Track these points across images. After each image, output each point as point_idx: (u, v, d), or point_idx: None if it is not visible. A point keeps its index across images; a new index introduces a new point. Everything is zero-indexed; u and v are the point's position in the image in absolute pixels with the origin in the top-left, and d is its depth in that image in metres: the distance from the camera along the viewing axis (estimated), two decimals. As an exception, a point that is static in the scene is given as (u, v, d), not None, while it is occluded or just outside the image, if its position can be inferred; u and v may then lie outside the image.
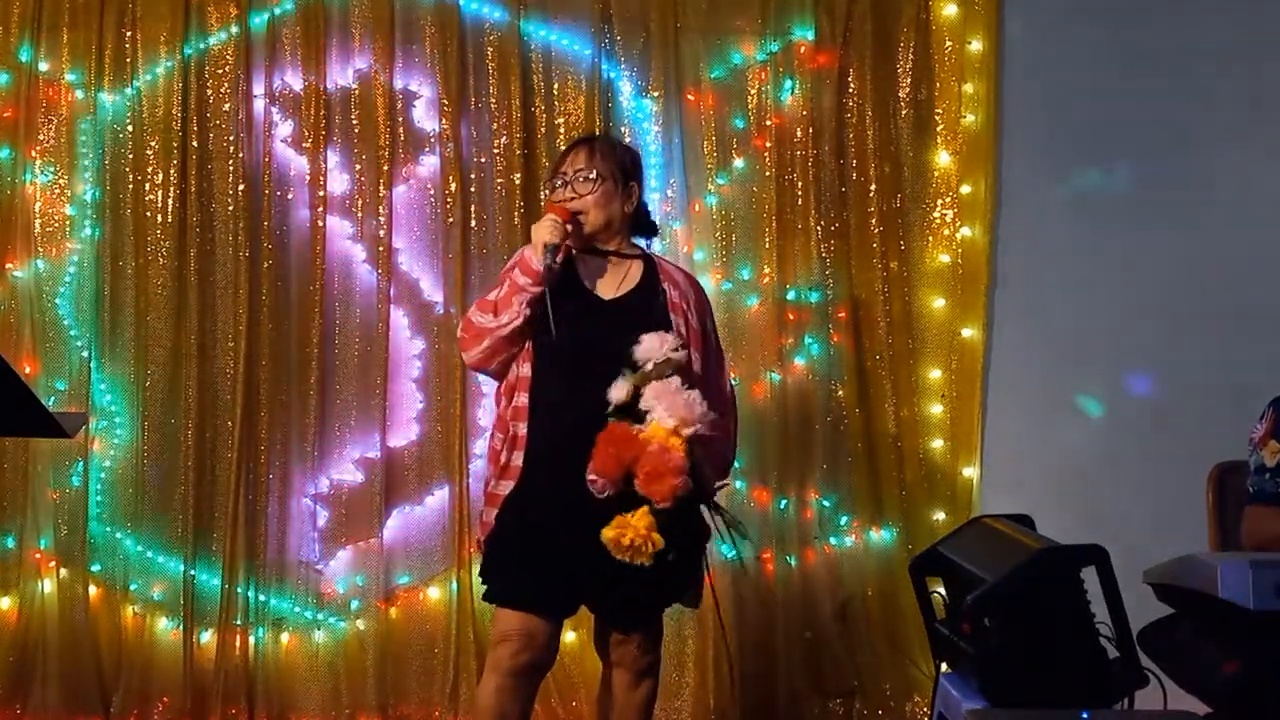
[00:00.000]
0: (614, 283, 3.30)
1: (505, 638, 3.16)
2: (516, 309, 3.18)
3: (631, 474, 3.02)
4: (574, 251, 3.29)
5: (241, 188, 4.38)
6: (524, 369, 3.22)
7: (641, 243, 3.42)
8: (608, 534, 3.00)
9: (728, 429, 3.35)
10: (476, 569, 3.44)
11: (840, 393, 4.47)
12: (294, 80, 4.43)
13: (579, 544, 3.06)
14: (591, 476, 3.04)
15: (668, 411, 3.05)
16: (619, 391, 3.10)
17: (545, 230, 3.18)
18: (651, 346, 3.12)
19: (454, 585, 4.34)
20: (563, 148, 4.40)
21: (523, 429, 3.20)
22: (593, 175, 3.27)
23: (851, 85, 4.50)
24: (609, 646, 3.32)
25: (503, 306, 3.20)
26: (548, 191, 3.39)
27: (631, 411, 3.09)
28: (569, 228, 3.22)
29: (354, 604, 4.38)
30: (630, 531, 2.99)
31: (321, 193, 4.39)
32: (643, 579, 3.06)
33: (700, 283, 3.50)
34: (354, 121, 4.44)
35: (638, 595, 3.16)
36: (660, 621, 3.37)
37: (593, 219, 3.27)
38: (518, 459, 3.20)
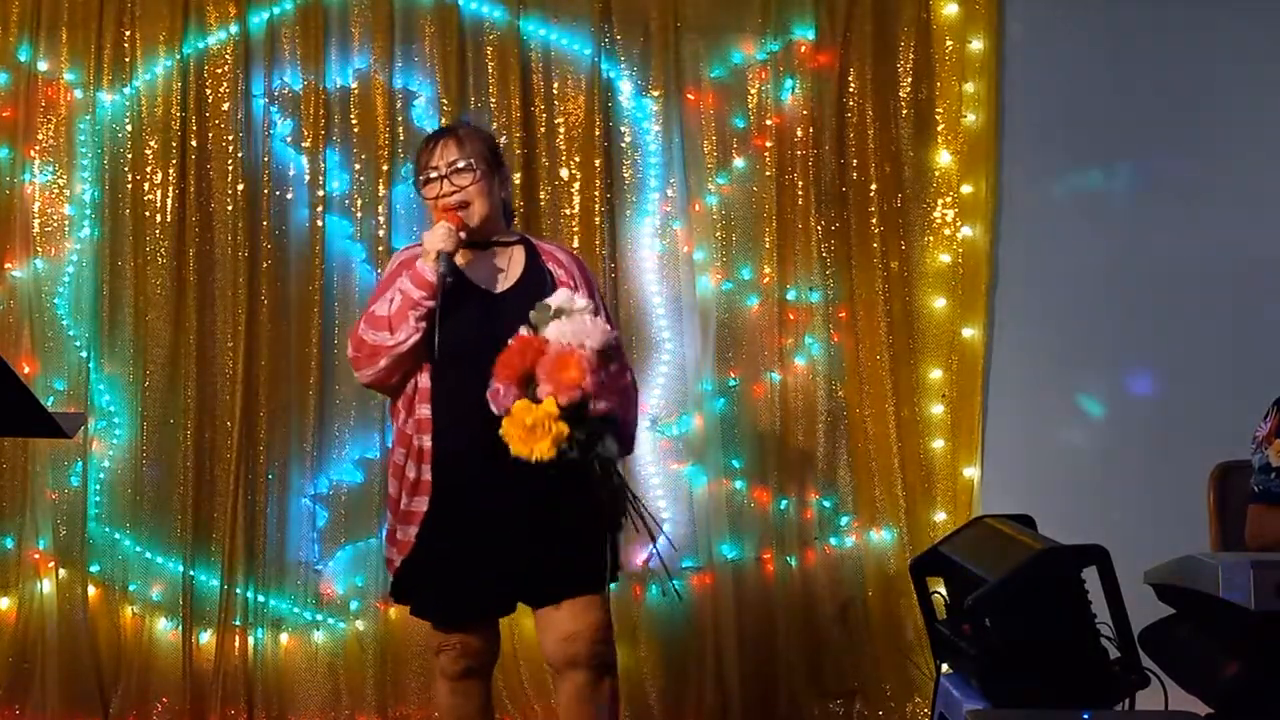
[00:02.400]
0: (502, 275, 3.20)
1: (443, 648, 3.15)
2: (413, 324, 3.05)
3: (534, 384, 2.87)
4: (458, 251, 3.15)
5: (241, 187, 4.38)
6: (423, 380, 3.11)
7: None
8: (507, 425, 2.85)
9: (625, 372, 3.11)
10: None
11: (840, 393, 4.46)
12: (293, 80, 4.43)
13: (501, 542, 3.02)
14: (493, 387, 2.90)
15: (573, 333, 2.90)
16: (524, 329, 2.96)
17: (439, 238, 3.06)
18: (558, 296, 2.99)
19: (453, 585, 4.33)
20: (561, 146, 4.45)
21: (427, 441, 3.09)
22: (468, 165, 3.15)
23: (852, 85, 4.49)
24: (560, 652, 3.13)
25: (398, 322, 3.07)
26: (418, 189, 3.27)
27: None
28: (462, 235, 3.11)
29: (353, 604, 4.37)
30: (531, 415, 2.82)
31: (321, 192, 4.39)
32: (566, 544, 3.00)
33: (580, 257, 3.41)
34: (353, 121, 4.43)
35: (563, 559, 3.06)
36: (605, 602, 3.16)
37: (478, 210, 3.16)
38: (427, 473, 3.09)
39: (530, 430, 2.83)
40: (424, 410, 3.10)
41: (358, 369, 3.18)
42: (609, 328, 2.97)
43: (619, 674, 3.25)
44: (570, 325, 2.92)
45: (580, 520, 3.03)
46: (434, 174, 3.18)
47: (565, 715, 3.18)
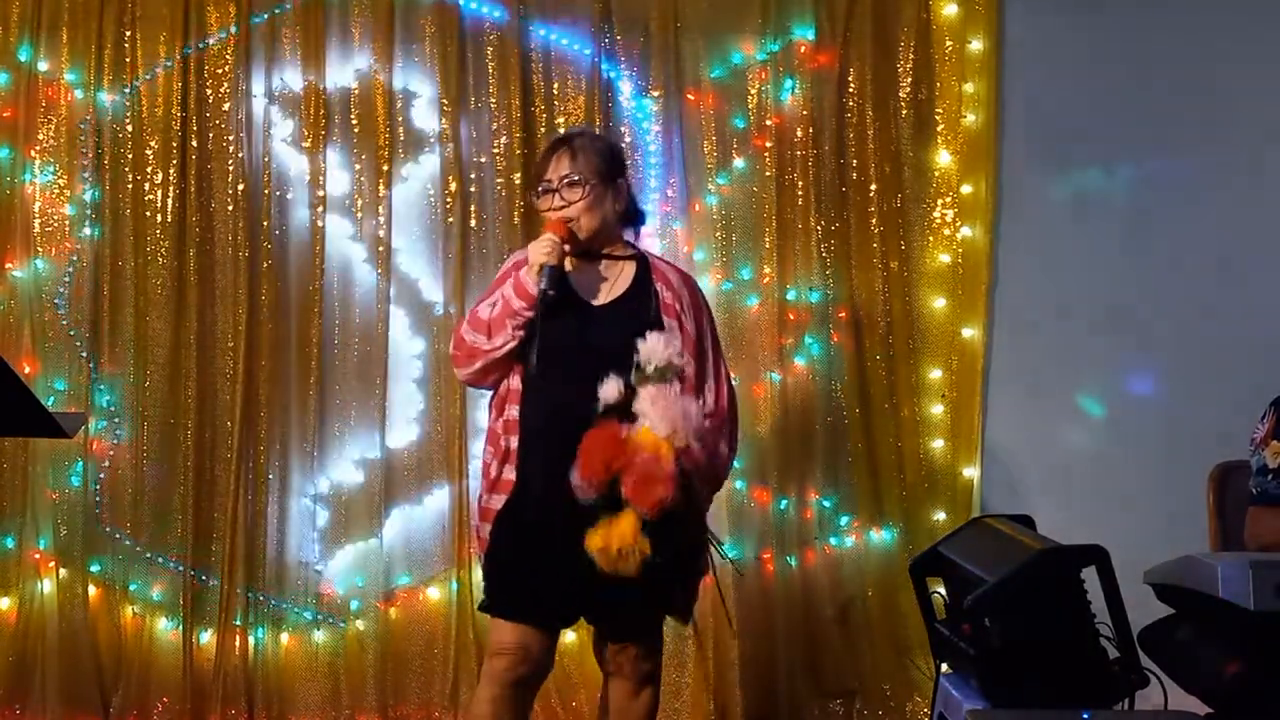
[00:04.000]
0: (606, 286, 3.20)
1: (501, 651, 3.12)
2: (510, 332, 3.08)
3: (617, 480, 2.89)
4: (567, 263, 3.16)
5: (241, 187, 4.38)
6: (514, 381, 3.14)
7: (633, 236, 3.32)
8: (593, 543, 2.90)
9: (718, 446, 3.19)
10: (477, 571, 3.44)
11: (840, 393, 4.46)
12: (293, 80, 4.43)
13: (574, 555, 2.97)
14: (576, 481, 2.92)
15: (662, 418, 2.92)
16: (611, 390, 2.97)
17: (543, 251, 3.07)
18: (655, 348, 2.99)
19: (454, 585, 4.34)
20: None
21: (514, 442, 3.12)
22: (579, 179, 3.15)
23: (851, 85, 4.49)
24: (607, 655, 3.28)
25: (496, 328, 3.10)
26: (535, 199, 3.27)
27: (623, 412, 2.96)
28: (566, 247, 3.11)
29: (354, 604, 4.37)
30: (616, 539, 2.88)
31: (321, 192, 4.39)
32: (637, 587, 2.98)
33: (696, 281, 3.41)
34: (353, 121, 4.43)
35: (633, 604, 3.09)
36: (660, 631, 3.33)
37: (585, 225, 3.15)
38: (509, 473, 3.12)
39: (616, 555, 2.88)
40: (513, 411, 3.13)
41: (456, 366, 3.22)
42: (700, 417, 2.99)
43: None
44: (661, 406, 2.92)
45: (658, 548, 2.97)
46: (547, 187, 3.18)
47: (602, 705, 3.40)
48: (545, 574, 3.07)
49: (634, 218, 3.32)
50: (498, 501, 3.14)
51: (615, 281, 3.21)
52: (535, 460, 3.10)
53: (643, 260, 3.27)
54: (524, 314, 3.06)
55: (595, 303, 3.18)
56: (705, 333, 3.25)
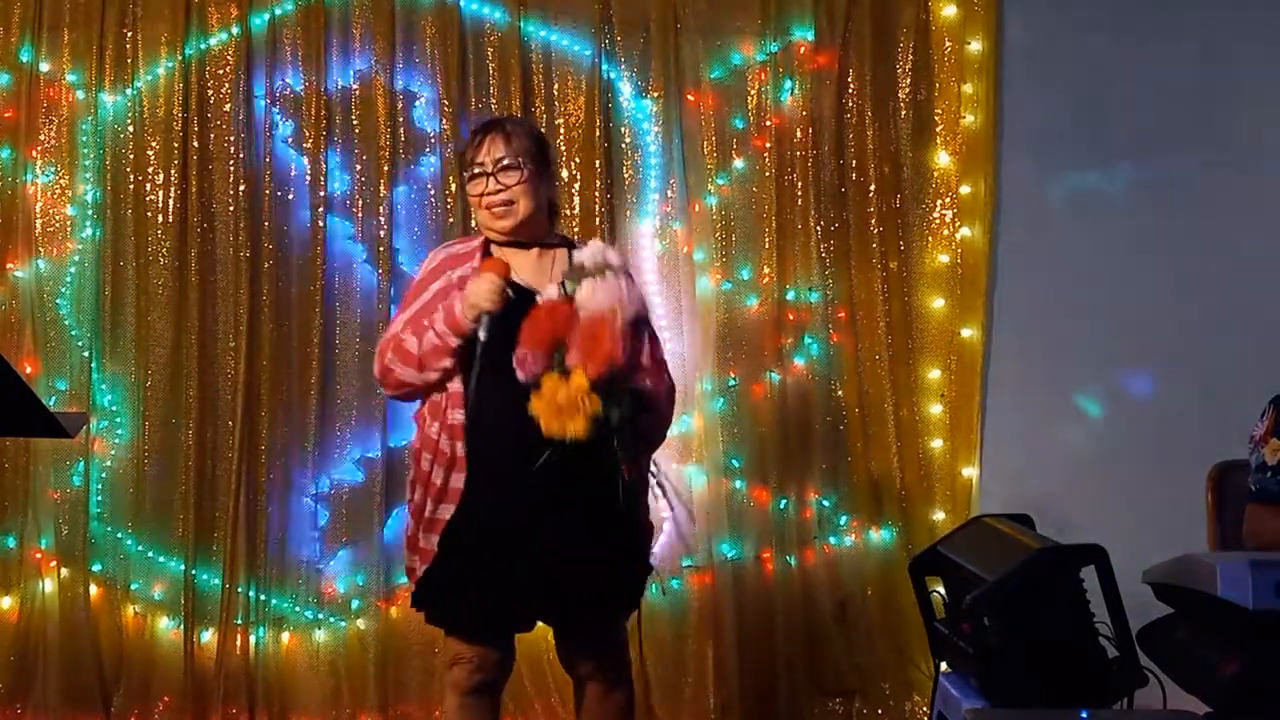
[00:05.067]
0: (544, 278, 3.08)
1: (459, 661, 3.08)
2: (444, 366, 2.99)
3: (563, 356, 2.79)
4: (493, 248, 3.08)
5: (242, 188, 4.38)
6: (455, 384, 3.02)
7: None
8: (537, 405, 2.76)
9: (659, 406, 3.07)
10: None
11: (840, 393, 4.47)
12: (294, 81, 4.43)
13: (530, 560, 2.94)
14: (520, 354, 2.82)
15: (605, 298, 2.83)
16: (552, 290, 2.91)
17: (484, 295, 2.93)
18: (591, 252, 2.92)
19: (454, 585, 4.34)
20: (561, 147, 4.45)
21: (460, 448, 3.00)
22: (516, 163, 3.06)
23: (851, 85, 4.50)
24: (576, 666, 3.20)
25: (428, 362, 2.99)
26: (466, 182, 3.15)
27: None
28: (509, 292, 2.96)
29: (354, 603, 4.38)
30: (563, 392, 2.74)
31: (322, 193, 4.40)
32: (595, 571, 2.96)
33: (625, 264, 3.30)
34: (354, 122, 4.44)
35: (587, 599, 3.02)
36: (623, 629, 3.23)
37: (523, 209, 3.07)
38: (457, 480, 3.01)
39: (562, 408, 2.74)
40: (457, 415, 3.01)
41: (383, 390, 3.15)
42: (642, 293, 2.91)
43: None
44: (603, 287, 2.84)
45: (610, 547, 3.00)
46: (479, 170, 3.09)
47: (577, 709, 3.24)
48: (502, 585, 2.99)
49: (554, 211, 3.25)
50: (446, 511, 3.03)
51: (554, 270, 3.11)
52: (486, 463, 2.99)
53: (571, 247, 3.18)
54: (455, 345, 2.97)
55: (542, 292, 3.06)
56: (645, 319, 3.16)
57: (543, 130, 4.38)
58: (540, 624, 3.15)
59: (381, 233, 4.40)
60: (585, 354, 2.78)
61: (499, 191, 3.07)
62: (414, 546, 3.12)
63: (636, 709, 4.23)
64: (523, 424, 2.84)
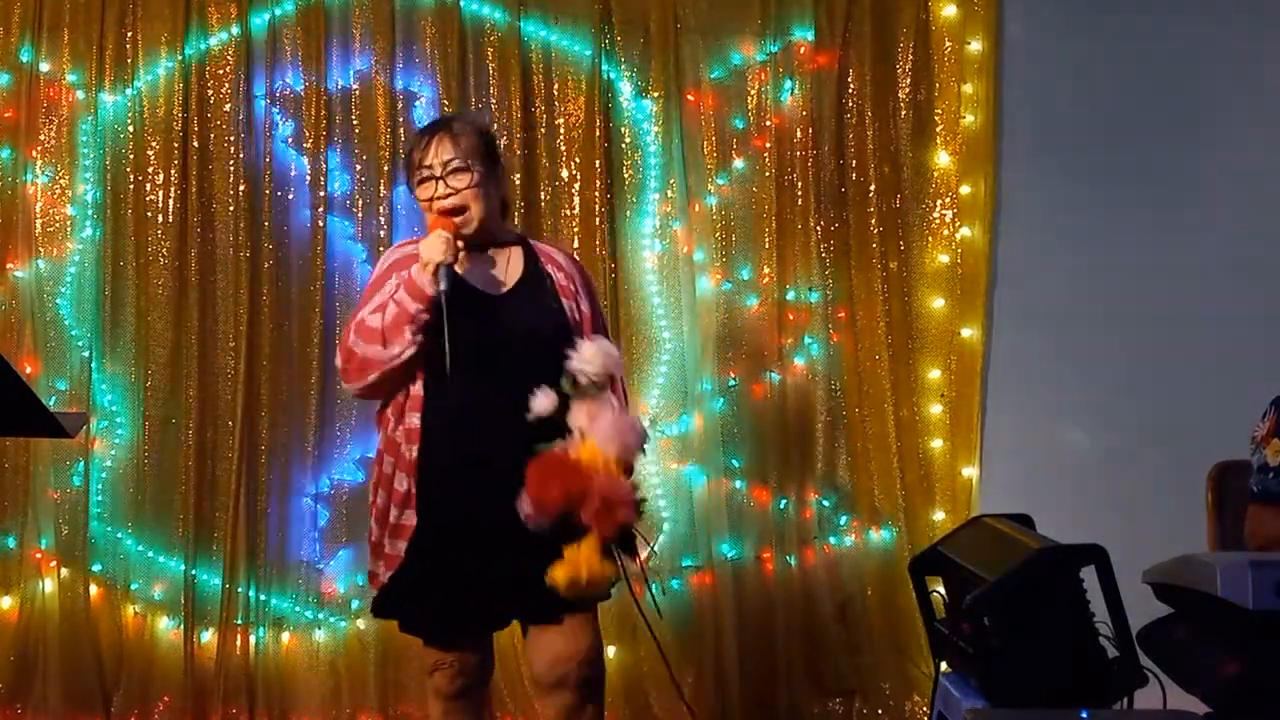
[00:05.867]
0: (501, 275, 3.06)
1: (438, 667, 3.05)
2: (409, 338, 2.91)
3: (571, 507, 2.80)
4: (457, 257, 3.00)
5: (242, 188, 4.39)
6: (415, 387, 2.97)
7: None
8: (559, 576, 2.80)
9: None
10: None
11: (840, 393, 4.47)
12: (294, 81, 4.44)
13: (496, 557, 2.91)
14: (527, 510, 2.82)
15: (609, 438, 2.83)
16: (544, 403, 2.87)
17: (437, 249, 2.89)
18: (591, 357, 2.89)
19: (454, 585, 4.34)
20: (561, 147, 4.45)
21: (414, 452, 2.96)
22: (465, 165, 3.00)
23: (851, 85, 4.50)
24: (549, 673, 3.05)
25: (392, 336, 2.91)
26: (412, 187, 3.09)
27: (554, 426, 2.87)
28: (460, 243, 2.97)
29: (354, 604, 4.38)
30: (585, 568, 2.80)
31: (322, 193, 4.40)
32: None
33: (578, 260, 3.33)
34: (354, 122, 4.44)
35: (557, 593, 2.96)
36: (594, 625, 3.09)
37: (475, 213, 3.01)
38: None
39: (586, 585, 2.84)
40: (414, 419, 2.98)
41: (347, 381, 3.05)
42: (643, 428, 2.93)
43: (606, 690, 3.17)
44: (604, 426, 2.85)
45: (576, 537, 2.94)
46: (427, 173, 3.03)
47: None
48: (472, 586, 2.95)
49: (508, 205, 3.22)
50: (411, 517, 2.98)
51: (508, 269, 3.09)
52: (442, 467, 2.96)
53: (525, 244, 3.17)
54: (422, 317, 2.90)
55: (496, 294, 3.05)
56: (599, 314, 3.15)
57: (541, 130, 4.42)
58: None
59: (381, 233, 4.40)
60: (600, 523, 2.81)
61: (449, 195, 3.01)
62: (378, 552, 3.06)
63: (637, 710, 4.27)
64: (482, 424, 2.86)
